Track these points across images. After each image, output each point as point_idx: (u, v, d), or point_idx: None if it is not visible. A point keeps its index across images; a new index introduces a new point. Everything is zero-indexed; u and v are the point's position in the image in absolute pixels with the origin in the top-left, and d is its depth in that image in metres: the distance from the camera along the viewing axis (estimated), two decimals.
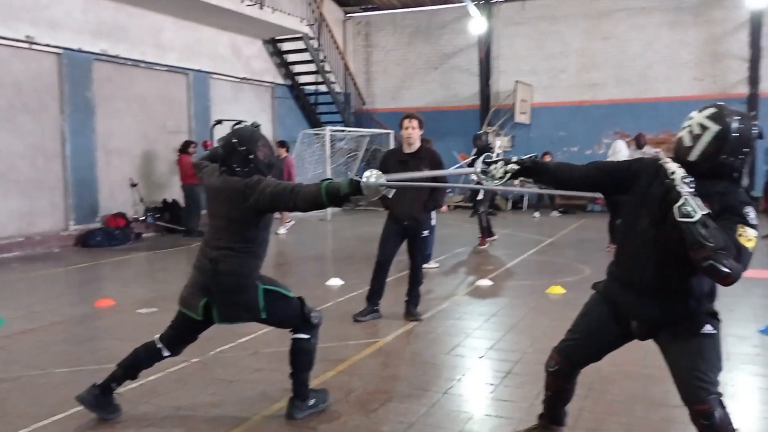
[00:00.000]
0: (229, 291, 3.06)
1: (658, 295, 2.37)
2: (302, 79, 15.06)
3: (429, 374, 3.90)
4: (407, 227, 5.12)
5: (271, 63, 14.52)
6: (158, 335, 3.24)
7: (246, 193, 2.98)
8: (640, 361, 4.02)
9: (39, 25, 9.41)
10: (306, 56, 14.39)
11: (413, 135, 5.08)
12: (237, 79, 13.45)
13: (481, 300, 6.08)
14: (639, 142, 9.95)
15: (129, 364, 3.21)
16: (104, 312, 5.58)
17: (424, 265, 5.93)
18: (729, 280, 2.08)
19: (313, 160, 14.36)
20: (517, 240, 10.20)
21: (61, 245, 9.57)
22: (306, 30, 13.96)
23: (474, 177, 2.77)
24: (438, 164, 5.15)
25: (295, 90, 15.17)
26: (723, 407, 2.28)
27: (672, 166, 2.21)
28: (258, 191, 2.96)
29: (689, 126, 2.31)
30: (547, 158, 14.09)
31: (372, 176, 2.81)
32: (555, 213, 14.17)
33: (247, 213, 3.02)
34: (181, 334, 3.24)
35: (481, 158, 2.72)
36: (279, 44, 14.45)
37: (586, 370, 3.82)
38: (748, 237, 2.14)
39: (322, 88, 15.14)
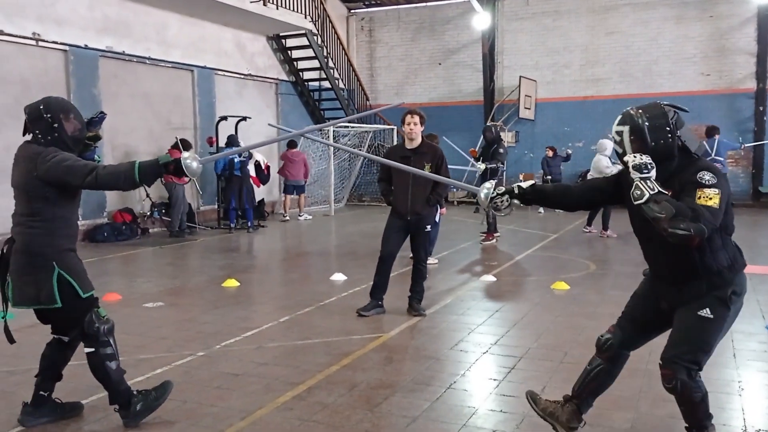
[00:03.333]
0: (19, 270, 2.88)
1: (678, 281, 2.57)
2: (306, 75, 15.06)
3: (433, 369, 3.92)
4: (410, 222, 5.14)
5: (275, 59, 14.53)
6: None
7: (37, 162, 2.82)
8: (644, 357, 4.02)
9: (45, 22, 9.45)
10: (310, 52, 14.39)
11: (415, 130, 5.09)
12: (241, 76, 13.47)
13: (485, 296, 6.09)
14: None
15: (44, 366, 3.11)
16: (111, 306, 5.62)
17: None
18: (693, 240, 2.29)
19: (317, 156, 14.38)
20: (522, 235, 10.19)
21: None
22: (310, 26, 13.96)
23: (482, 201, 2.91)
24: (440, 159, 5.16)
25: (299, 86, 15.18)
26: (690, 378, 2.50)
27: (627, 157, 2.46)
28: (51, 162, 2.80)
29: (612, 138, 2.61)
30: (550, 153, 14.06)
31: (189, 159, 2.88)
32: (559, 210, 14.15)
33: (34, 182, 2.84)
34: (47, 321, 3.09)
35: (488, 186, 2.90)
36: (283, 40, 14.45)
37: None
38: (708, 196, 2.34)
39: (326, 84, 15.14)
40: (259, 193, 12.98)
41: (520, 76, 15.32)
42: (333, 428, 3.06)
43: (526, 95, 15.45)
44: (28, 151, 2.93)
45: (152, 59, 11.25)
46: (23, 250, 2.90)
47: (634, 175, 2.36)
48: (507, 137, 15.52)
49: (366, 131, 15.54)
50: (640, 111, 2.53)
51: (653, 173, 2.36)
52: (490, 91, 16.12)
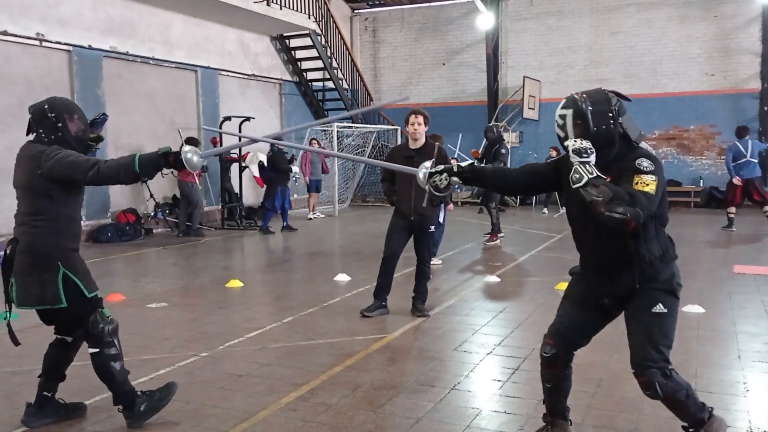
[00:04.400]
0: (23, 271, 2.87)
1: (610, 271, 2.58)
2: (310, 75, 15.07)
3: (436, 370, 3.91)
4: (413, 223, 5.13)
5: (278, 59, 14.55)
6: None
7: (41, 160, 2.82)
8: None
9: (49, 23, 9.48)
10: (313, 53, 14.40)
11: (419, 131, 5.09)
12: (245, 76, 13.49)
13: (489, 296, 6.07)
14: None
15: (47, 366, 3.12)
16: (115, 307, 5.63)
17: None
18: (629, 223, 2.29)
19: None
20: (526, 236, 10.17)
21: None
22: (313, 26, 13.97)
23: (420, 180, 2.78)
24: (443, 159, 5.15)
25: (303, 86, 15.19)
26: (667, 378, 2.47)
27: (568, 142, 2.46)
28: (55, 159, 2.81)
29: (556, 123, 2.59)
30: (553, 153, 14.02)
31: (190, 153, 2.89)
32: (563, 209, 14.12)
33: (39, 181, 2.84)
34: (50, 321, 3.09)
35: (427, 165, 2.79)
36: (287, 41, 14.47)
37: (593, 367, 3.83)
38: (645, 182, 2.36)
39: (330, 84, 15.14)
40: (262, 193, 13.01)
41: (524, 77, 15.30)
42: (336, 429, 3.06)
43: (530, 95, 15.43)
44: (30, 150, 2.93)
45: (156, 59, 11.28)
46: (27, 250, 2.89)
47: (574, 159, 2.36)
48: (511, 137, 15.50)
49: (370, 131, 15.54)
50: (584, 96, 2.53)
51: (593, 158, 2.36)
52: (493, 92, 16.10)
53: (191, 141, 10.70)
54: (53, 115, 2.93)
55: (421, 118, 5.09)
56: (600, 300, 2.67)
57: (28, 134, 3.00)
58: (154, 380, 3.66)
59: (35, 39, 9.30)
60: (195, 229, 10.42)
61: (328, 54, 15.05)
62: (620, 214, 2.27)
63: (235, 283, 6.50)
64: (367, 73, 17.29)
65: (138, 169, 2.82)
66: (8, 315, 3.03)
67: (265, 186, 11.96)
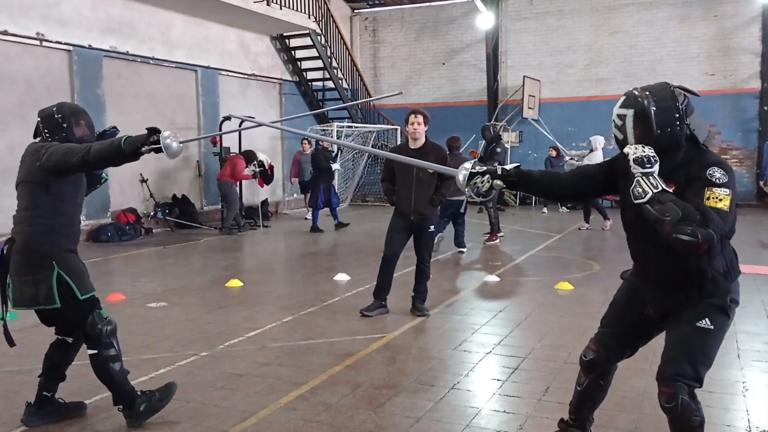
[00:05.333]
0: (19, 271, 2.85)
1: (668, 286, 2.34)
2: (309, 75, 15.07)
3: (436, 369, 3.92)
4: (413, 222, 5.13)
5: (278, 59, 14.55)
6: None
7: (40, 153, 2.87)
8: (649, 358, 4.01)
9: (49, 23, 9.47)
10: (313, 52, 14.39)
11: (419, 130, 5.09)
12: (245, 76, 13.49)
13: (488, 296, 6.08)
14: None
15: (47, 366, 3.12)
16: (115, 306, 5.64)
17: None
18: (701, 247, 2.04)
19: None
20: (526, 236, 10.17)
21: None
22: (313, 26, 13.97)
23: (460, 183, 2.49)
24: (443, 159, 5.15)
25: (303, 86, 15.18)
26: (691, 398, 2.24)
27: (628, 149, 2.19)
28: (52, 148, 2.86)
29: (613, 123, 2.31)
30: (554, 153, 14.03)
31: (169, 138, 2.83)
32: (563, 209, 14.12)
33: (36, 172, 2.86)
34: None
35: (469, 166, 2.48)
36: (286, 40, 14.46)
37: None
38: (717, 197, 2.09)
39: (329, 84, 15.14)
40: (263, 192, 13.01)
41: (524, 76, 15.30)
42: (336, 428, 3.06)
43: (529, 95, 15.43)
44: (33, 147, 2.99)
45: (156, 59, 11.27)
46: (23, 250, 2.89)
47: (635, 170, 2.11)
48: (511, 137, 15.50)
49: (370, 131, 15.54)
50: (647, 93, 2.22)
51: (656, 168, 2.10)
52: (493, 91, 16.10)
53: (249, 153, 10.79)
54: (60, 116, 3.01)
55: (420, 118, 5.09)
56: (644, 310, 2.46)
57: (35, 137, 3.06)
58: (154, 379, 3.66)
59: (35, 39, 9.30)
60: (240, 225, 10.74)
61: (328, 54, 15.04)
62: (690, 236, 2.01)
63: (235, 283, 6.50)
64: (367, 73, 17.29)
65: (124, 148, 2.79)
66: (4, 315, 3.02)
67: (265, 186, 11.97)
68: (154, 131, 2.82)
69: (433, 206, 5.20)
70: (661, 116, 2.19)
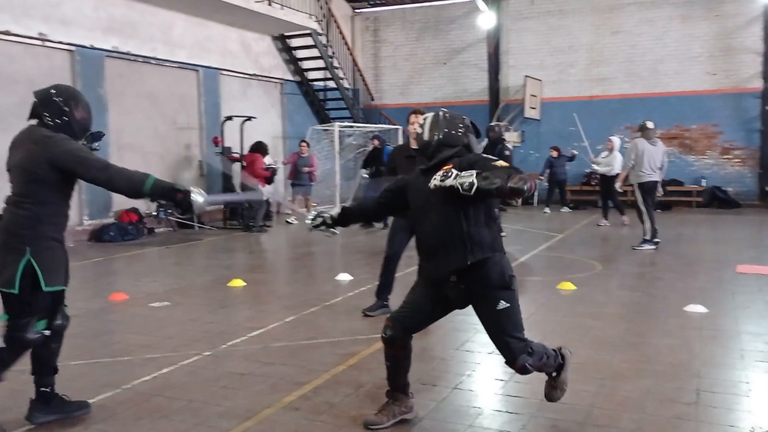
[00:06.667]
0: None
1: (446, 249, 2.82)
2: (311, 75, 15.07)
3: (438, 369, 3.92)
4: None
5: (280, 59, 14.56)
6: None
7: (47, 144, 2.80)
8: (651, 358, 4.02)
9: (51, 23, 9.49)
10: (315, 52, 14.40)
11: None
12: (246, 76, 13.50)
13: None
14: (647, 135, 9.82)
15: (36, 365, 3.07)
16: (118, 306, 5.65)
17: None
18: (533, 185, 2.57)
19: (322, 156, 14.39)
20: (528, 235, 10.17)
21: (75, 240, 9.65)
22: (315, 26, 13.97)
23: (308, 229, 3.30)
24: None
25: (304, 86, 15.20)
26: (530, 353, 2.88)
27: (433, 182, 2.73)
28: (65, 149, 2.80)
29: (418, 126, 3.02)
30: (555, 153, 13.99)
31: (199, 194, 2.97)
32: (565, 208, 14.12)
33: (42, 166, 2.79)
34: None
35: (308, 222, 3.28)
36: (288, 40, 14.47)
37: (596, 366, 3.84)
38: (500, 162, 2.73)
39: (331, 84, 15.15)
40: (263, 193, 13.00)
41: (526, 76, 15.29)
42: (339, 428, 3.06)
43: (531, 95, 15.43)
44: (34, 134, 2.89)
45: (158, 59, 11.29)
46: (4, 228, 2.86)
47: (449, 181, 2.62)
48: (513, 137, 15.48)
49: (371, 131, 15.53)
50: (443, 111, 3.05)
51: (453, 171, 2.65)
52: (495, 91, 16.10)
53: (260, 145, 10.75)
54: (60, 99, 2.92)
55: (422, 118, 5.08)
56: (442, 293, 2.92)
57: (30, 119, 2.97)
58: (157, 379, 3.67)
59: (37, 39, 9.32)
60: (258, 226, 10.87)
61: (330, 54, 15.04)
62: (521, 179, 2.53)
63: (238, 283, 6.50)
64: (368, 73, 17.30)
65: (148, 191, 2.85)
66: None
67: (267, 186, 11.95)
68: (179, 191, 2.92)
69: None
70: (444, 125, 2.98)
